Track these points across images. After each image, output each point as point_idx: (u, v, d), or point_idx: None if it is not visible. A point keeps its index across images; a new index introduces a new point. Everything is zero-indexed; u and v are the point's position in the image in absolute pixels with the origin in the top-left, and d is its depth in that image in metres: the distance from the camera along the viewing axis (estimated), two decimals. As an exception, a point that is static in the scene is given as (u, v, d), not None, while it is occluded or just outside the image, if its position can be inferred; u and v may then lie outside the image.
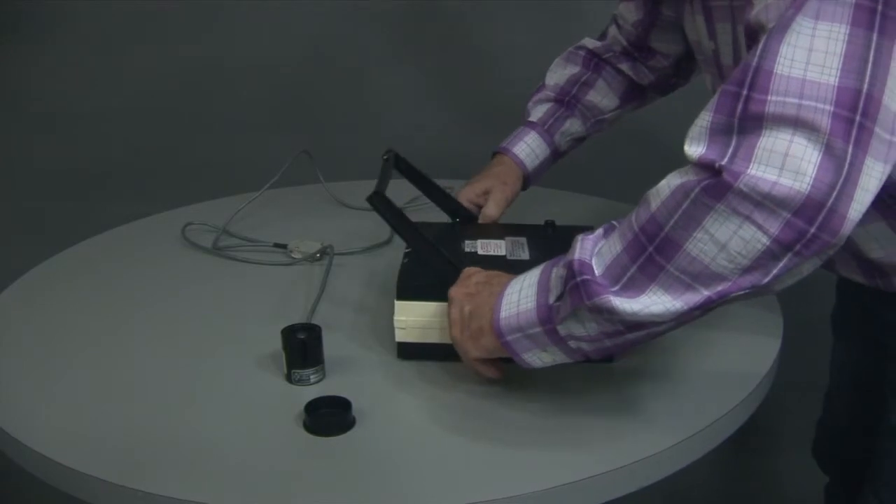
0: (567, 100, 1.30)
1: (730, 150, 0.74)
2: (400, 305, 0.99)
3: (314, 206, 1.49)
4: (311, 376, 0.96)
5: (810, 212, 0.72)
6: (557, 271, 0.84)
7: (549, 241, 1.12)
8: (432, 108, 1.84)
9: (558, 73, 1.32)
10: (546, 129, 1.29)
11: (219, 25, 1.81)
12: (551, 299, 0.83)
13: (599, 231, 0.84)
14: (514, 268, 1.01)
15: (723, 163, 0.73)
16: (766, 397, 1.00)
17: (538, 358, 0.87)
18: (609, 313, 0.79)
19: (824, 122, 0.71)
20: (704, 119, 0.77)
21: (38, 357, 1.04)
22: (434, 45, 1.82)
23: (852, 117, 0.72)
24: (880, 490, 1.10)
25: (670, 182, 0.77)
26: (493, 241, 1.10)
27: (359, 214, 1.46)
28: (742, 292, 0.76)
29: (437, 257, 1.00)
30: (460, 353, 0.93)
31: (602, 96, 1.30)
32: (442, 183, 1.53)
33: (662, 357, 1.01)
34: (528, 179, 1.29)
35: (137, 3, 1.79)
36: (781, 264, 0.74)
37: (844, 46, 0.72)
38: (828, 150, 0.71)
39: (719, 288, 0.76)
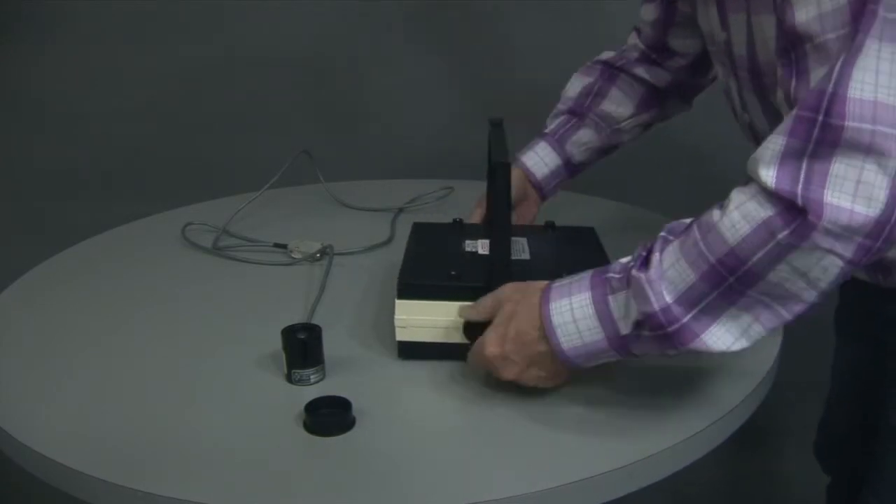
0: (579, 111, 1.30)
1: (802, 176, 0.76)
2: (400, 304, 0.99)
3: (314, 206, 1.49)
4: (311, 376, 0.96)
5: (878, 231, 0.76)
6: (619, 303, 0.84)
7: (550, 242, 1.12)
8: (432, 109, 1.84)
9: (573, 86, 1.32)
10: (556, 138, 1.29)
11: (219, 25, 1.81)
12: (623, 331, 0.85)
13: (656, 260, 0.82)
14: (515, 267, 1.02)
15: (799, 193, 0.75)
16: (767, 397, 0.99)
17: (602, 362, 0.89)
18: (700, 353, 0.82)
19: (893, 147, 0.74)
20: (777, 143, 0.78)
21: (38, 357, 1.04)
22: (434, 46, 1.82)
23: None
24: (881, 490, 1.10)
25: (747, 214, 0.78)
26: None
27: (359, 214, 1.46)
28: (811, 308, 0.81)
29: (504, 257, 0.98)
30: (519, 381, 0.92)
31: (616, 105, 1.29)
32: (442, 183, 1.54)
33: (662, 358, 1.01)
34: (541, 189, 1.29)
35: (137, 3, 1.79)
36: (846, 276, 0.79)
37: None
38: (892, 172, 0.75)
39: (796, 308, 0.81)
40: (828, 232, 0.75)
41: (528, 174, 1.28)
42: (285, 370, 0.97)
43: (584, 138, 1.29)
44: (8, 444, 0.89)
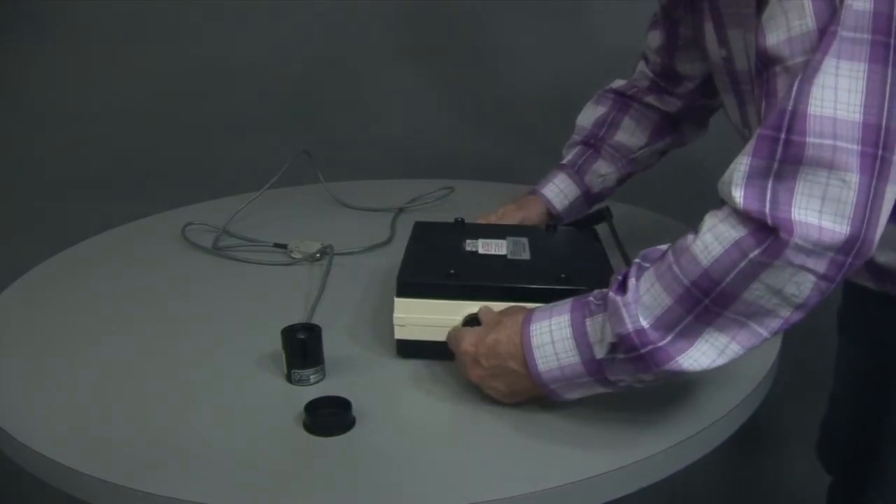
0: (594, 142, 1.30)
1: (769, 195, 0.76)
2: (399, 303, 0.99)
3: (314, 206, 1.49)
4: (311, 376, 0.96)
5: (849, 246, 0.76)
6: (596, 327, 0.85)
7: (550, 242, 1.12)
8: (432, 109, 1.84)
9: (586, 116, 1.33)
10: (576, 170, 1.29)
11: (219, 26, 1.81)
12: (598, 354, 0.84)
13: (632, 285, 0.83)
14: (515, 267, 1.01)
15: (767, 212, 0.76)
16: (768, 397, 0.99)
17: (578, 394, 0.89)
18: (675, 374, 0.82)
19: (855, 162, 0.75)
20: (743, 163, 0.78)
21: (38, 357, 1.04)
22: (434, 46, 1.82)
23: (876, 152, 0.75)
24: (884, 490, 1.10)
25: (719, 235, 0.78)
26: (493, 241, 1.10)
27: (359, 214, 1.46)
28: (789, 325, 0.81)
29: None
30: (488, 391, 0.93)
31: (630, 135, 1.29)
32: (442, 183, 1.54)
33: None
34: (561, 219, 1.30)
35: (137, 3, 1.80)
36: (823, 292, 0.79)
37: (865, 84, 0.75)
38: (860, 188, 0.75)
39: (773, 325, 0.81)
40: (799, 248, 0.75)
41: (549, 206, 1.29)
42: (285, 370, 0.97)
43: (602, 170, 1.30)
44: (8, 444, 0.89)
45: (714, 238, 0.78)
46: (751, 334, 0.81)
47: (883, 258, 1.01)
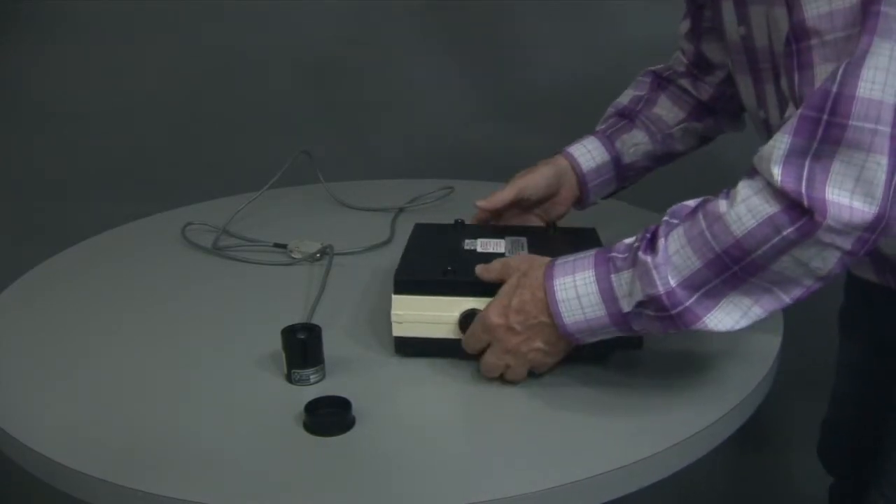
0: (628, 114, 1.27)
1: (805, 174, 0.78)
2: (397, 300, 0.99)
3: (314, 206, 1.49)
4: (311, 376, 0.96)
5: (875, 224, 0.79)
6: (622, 282, 0.87)
7: (550, 242, 1.12)
8: (432, 109, 1.84)
9: (624, 96, 1.30)
10: (607, 135, 1.25)
11: (219, 26, 1.81)
12: (625, 308, 0.87)
13: (661, 245, 0.85)
14: None
15: (803, 192, 0.78)
16: (771, 397, 0.99)
17: (602, 338, 0.91)
18: (700, 332, 0.85)
19: (887, 145, 0.77)
20: (783, 142, 0.80)
21: (38, 357, 1.04)
22: (434, 46, 1.82)
23: None
24: (886, 489, 1.10)
25: (753, 208, 0.81)
26: (492, 240, 1.10)
27: (359, 214, 1.46)
28: (810, 293, 0.84)
29: None
30: (512, 358, 0.93)
31: (666, 110, 1.27)
32: (442, 183, 1.53)
33: (662, 357, 1.01)
34: (585, 184, 1.23)
35: (138, 2, 1.79)
36: (845, 265, 0.82)
37: None
38: (889, 170, 0.77)
39: (796, 292, 0.84)
40: (830, 229, 0.78)
41: (573, 164, 1.22)
42: (285, 370, 0.97)
43: (635, 139, 1.25)
44: (8, 444, 0.89)
45: (748, 210, 0.81)
46: (774, 299, 0.84)
47: (887, 250, 1.01)
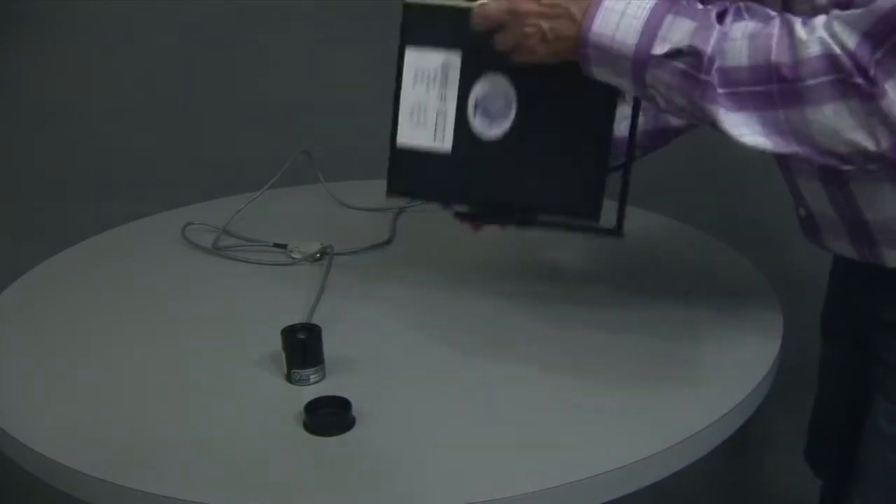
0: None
1: (878, 56, 0.77)
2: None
3: (314, 206, 1.49)
4: (311, 376, 0.96)
5: None
6: (674, 26, 0.84)
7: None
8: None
9: None
10: None
11: (218, 26, 1.81)
12: (656, 50, 0.84)
13: (728, 21, 0.83)
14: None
15: (871, 69, 0.77)
16: (768, 397, 1.00)
17: (604, 77, 0.88)
18: (711, 121, 0.83)
19: None
20: (866, 21, 0.78)
21: (38, 357, 1.04)
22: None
23: None
24: (868, 492, 1.10)
25: (824, 41, 0.79)
26: None
27: (359, 214, 1.46)
28: (813, 160, 0.83)
29: None
30: (523, 45, 0.90)
31: None
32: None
33: (662, 357, 1.01)
34: None
35: (138, 2, 1.79)
36: (861, 164, 0.81)
37: None
38: None
39: (805, 149, 0.82)
40: (879, 112, 0.78)
41: None
42: (285, 370, 0.97)
43: (623, 113, 1.23)
44: (8, 444, 0.90)
45: (818, 40, 0.79)
46: (784, 141, 0.82)
47: (868, 215, 1.00)
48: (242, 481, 0.82)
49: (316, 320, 1.06)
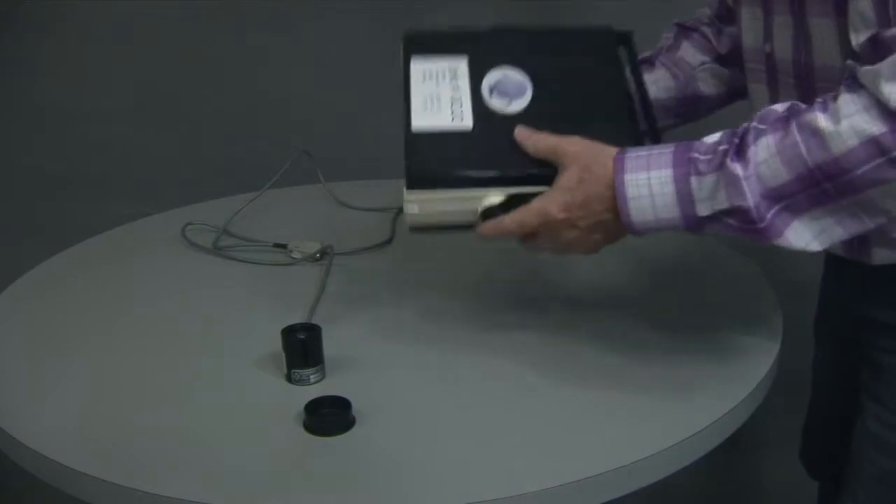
0: (650, 60, 1.21)
1: None
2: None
3: (314, 206, 1.49)
4: (311, 376, 0.96)
5: None
6: (704, 186, 0.84)
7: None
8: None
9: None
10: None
11: (218, 25, 1.81)
12: (701, 212, 0.85)
13: (751, 153, 0.82)
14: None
15: None
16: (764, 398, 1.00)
17: (663, 233, 0.89)
18: (778, 246, 0.83)
19: None
20: None
21: (38, 357, 1.04)
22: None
23: None
24: (857, 493, 1.10)
25: (856, 127, 0.78)
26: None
27: (359, 214, 1.46)
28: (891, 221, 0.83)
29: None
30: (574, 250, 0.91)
31: (689, 54, 1.21)
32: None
33: (662, 357, 1.01)
34: None
35: (138, 3, 1.79)
36: None
37: None
38: None
39: (881, 220, 0.82)
40: None
41: None
42: (285, 370, 0.97)
43: (654, 76, 1.19)
44: (8, 444, 0.90)
45: (851, 127, 0.78)
46: (857, 223, 0.82)
47: None
48: (242, 481, 0.82)
49: (316, 320, 1.06)
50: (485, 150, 0.91)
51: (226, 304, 1.16)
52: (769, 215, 0.82)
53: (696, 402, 0.93)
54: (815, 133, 0.80)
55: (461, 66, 0.96)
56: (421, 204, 0.89)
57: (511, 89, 0.97)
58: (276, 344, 0.97)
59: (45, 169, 1.87)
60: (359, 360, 1.01)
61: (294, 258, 1.28)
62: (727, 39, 1.21)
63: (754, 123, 0.84)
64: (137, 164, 1.88)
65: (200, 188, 1.57)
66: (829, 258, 1.13)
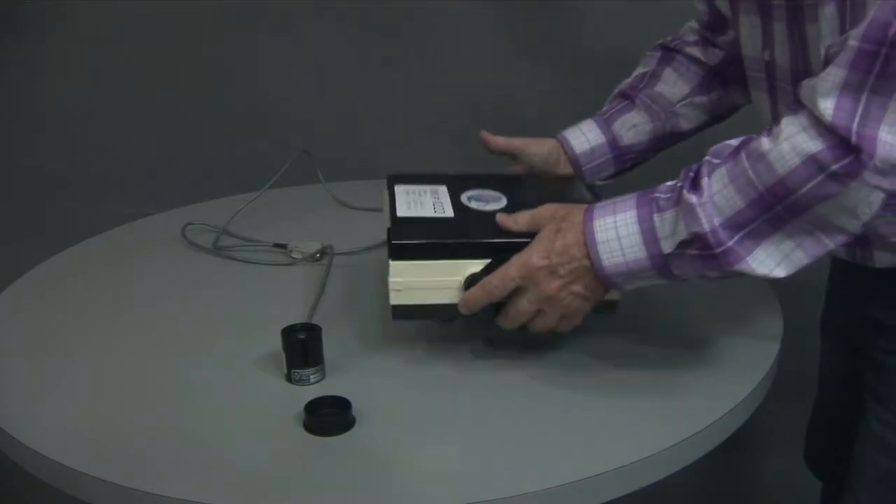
0: (630, 93, 1.22)
1: (860, 110, 0.77)
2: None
3: (314, 206, 1.49)
4: (311, 376, 0.96)
5: None
6: (665, 223, 0.87)
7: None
8: (432, 108, 1.84)
9: (632, 76, 1.25)
10: (605, 118, 1.21)
11: (218, 25, 1.81)
12: (666, 249, 0.87)
13: (705, 184, 0.84)
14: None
15: (854, 129, 0.76)
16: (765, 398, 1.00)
17: (641, 286, 0.91)
18: (741, 275, 0.85)
19: None
20: (837, 75, 0.78)
21: (38, 357, 1.04)
22: (433, 45, 1.82)
23: None
24: (859, 495, 1.10)
25: (797, 146, 0.80)
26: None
27: (359, 214, 1.46)
28: (853, 238, 0.83)
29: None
30: (553, 310, 0.93)
31: (670, 85, 1.21)
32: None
33: (662, 357, 1.01)
34: (579, 166, 1.20)
35: (137, 3, 1.79)
36: (887, 206, 0.81)
37: None
38: None
39: (840, 238, 0.83)
40: (877, 170, 0.77)
41: (563, 146, 1.19)
42: (285, 370, 0.97)
43: (634, 119, 1.20)
44: (8, 444, 0.90)
45: (791, 148, 0.80)
46: (816, 243, 0.83)
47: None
48: (242, 481, 0.82)
49: (316, 320, 1.06)
50: (466, 226, 0.97)
51: (226, 304, 1.16)
52: (730, 242, 0.84)
53: (696, 402, 0.93)
54: (760, 157, 0.82)
55: (441, 188, 1.05)
56: (405, 277, 0.93)
57: (488, 198, 1.04)
58: (276, 344, 0.97)
59: (45, 169, 1.87)
60: (359, 360, 1.01)
61: (294, 258, 1.28)
62: (719, 50, 1.22)
63: (708, 158, 0.86)
64: (137, 164, 1.88)
65: (200, 188, 1.57)
66: (836, 258, 1.13)
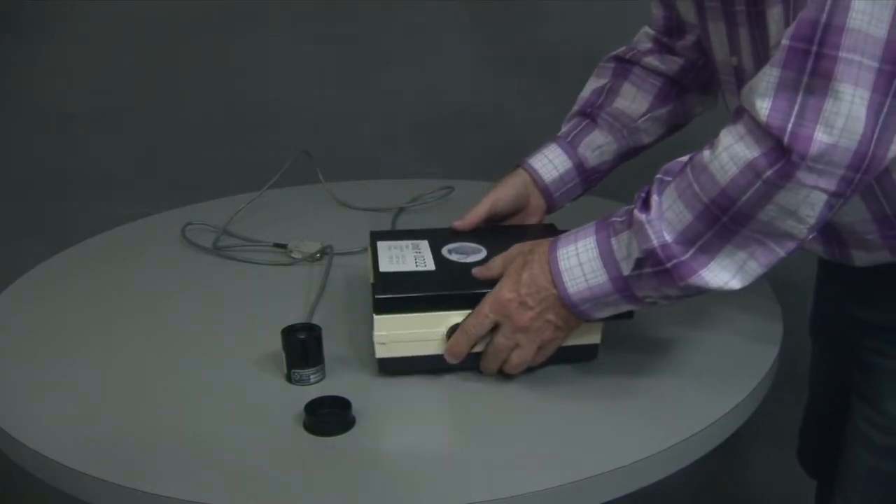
0: (591, 111, 1.21)
1: (795, 110, 0.77)
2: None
3: (314, 206, 1.49)
4: (311, 376, 0.96)
5: (858, 162, 0.78)
6: (621, 244, 0.87)
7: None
8: (431, 108, 1.84)
9: (587, 87, 1.25)
10: (569, 141, 1.20)
11: (218, 25, 1.81)
12: (625, 271, 0.87)
13: (655, 202, 0.85)
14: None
15: (788, 129, 0.77)
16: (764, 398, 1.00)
17: (610, 313, 0.92)
18: (700, 290, 0.86)
19: (872, 79, 0.76)
20: (772, 75, 0.79)
21: (38, 357, 1.04)
22: (432, 46, 1.82)
23: (893, 70, 0.76)
24: (848, 493, 1.10)
25: (734, 155, 0.81)
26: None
27: (359, 214, 1.46)
28: (802, 244, 0.84)
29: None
30: (526, 340, 0.93)
31: (629, 101, 1.21)
32: (442, 183, 1.53)
33: (662, 357, 1.01)
34: (550, 195, 1.20)
35: (138, 3, 1.80)
36: (832, 207, 0.81)
37: None
38: (871, 105, 0.76)
39: (790, 245, 0.83)
40: (811, 169, 0.77)
41: (534, 177, 1.18)
42: (285, 370, 0.97)
43: (598, 140, 1.20)
44: (8, 444, 0.90)
45: (730, 158, 0.81)
46: (768, 252, 0.84)
47: (835, 217, 1.00)
48: (242, 481, 0.82)
49: (316, 320, 1.06)
50: (447, 280, 0.99)
51: (226, 304, 1.16)
52: (684, 256, 0.84)
53: (696, 403, 0.93)
54: (703, 170, 0.83)
55: (423, 242, 1.08)
56: (390, 331, 0.95)
57: (468, 251, 1.06)
58: (276, 344, 0.97)
59: (45, 169, 1.87)
60: (359, 360, 1.01)
61: (294, 258, 1.28)
62: (677, 57, 1.21)
63: (659, 176, 0.87)
64: (137, 164, 1.88)
65: (200, 188, 1.58)
66: (820, 258, 1.13)
